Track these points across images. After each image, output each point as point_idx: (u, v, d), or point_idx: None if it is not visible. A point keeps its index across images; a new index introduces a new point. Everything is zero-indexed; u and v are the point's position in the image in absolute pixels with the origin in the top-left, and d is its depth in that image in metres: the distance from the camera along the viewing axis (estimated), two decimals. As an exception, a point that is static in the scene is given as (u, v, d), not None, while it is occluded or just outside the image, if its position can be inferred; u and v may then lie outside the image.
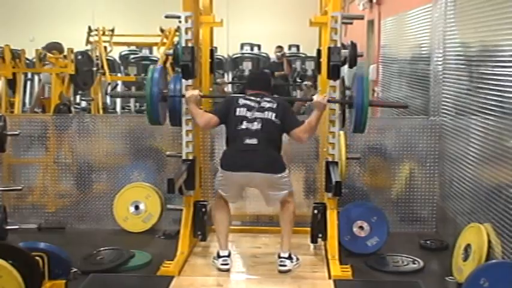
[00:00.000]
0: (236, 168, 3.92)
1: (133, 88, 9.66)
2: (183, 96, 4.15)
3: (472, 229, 3.97)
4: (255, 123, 3.92)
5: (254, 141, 3.88)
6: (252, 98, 4.05)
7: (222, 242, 4.07)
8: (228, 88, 9.92)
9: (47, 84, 6.82)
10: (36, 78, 9.38)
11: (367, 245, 4.49)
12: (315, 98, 4.01)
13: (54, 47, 6.62)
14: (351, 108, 4.09)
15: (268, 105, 3.99)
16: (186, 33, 4.22)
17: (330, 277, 3.89)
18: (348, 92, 4.32)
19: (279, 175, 3.95)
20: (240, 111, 3.97)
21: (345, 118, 4.47)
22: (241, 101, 4.02)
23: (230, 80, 11.03)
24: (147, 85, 4.07)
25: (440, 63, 5.06)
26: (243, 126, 3.92)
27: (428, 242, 4.73)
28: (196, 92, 4.12)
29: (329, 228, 4.23)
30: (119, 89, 9.80)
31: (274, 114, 3.95)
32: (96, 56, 8.37)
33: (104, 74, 8.55)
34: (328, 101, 4.03)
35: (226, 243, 4.09)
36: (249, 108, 3.97)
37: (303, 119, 4.06)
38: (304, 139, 4.03)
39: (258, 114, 3.95)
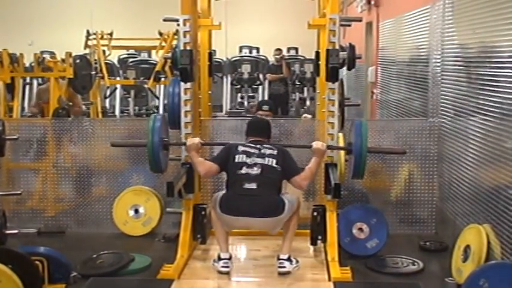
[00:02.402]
0: (236, 213, 3.93)
1: (132, 92, 9.67)
2: (184, 144, 4.16)
3: (471, 230, 3.98)
4: (255, 168, 3.94)
5: (253, 185, 3.90)
6: (252, 145, 4.07)
7: (222, 245, 4.07)
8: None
9: None
10: (35, 82, 9.39)
11: (366, 247, 4.49)
12: (314, 144, 4.05)
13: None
14: (350, 155, 4.10)
15: (268, 151, 4.02)
16: (185, 36, 4.23)
17: (329, 279, 3.89)
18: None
19: (281, 216, 3.95)
20: (240, 158, 3.99)
21: (343, 120, 4.48)
22: (241, 148, 4.04)
23: (229, 82, 11.04)
24: (149, 134, 4.05)
25: (438, 64, 5.07)
26: (243, 171, 3.94)
27: (427, 243, 4.73)
28: (196, 140, 4.12)
29: (329, 230, 4.23)
30: (117, 93, 9.79)
31: (275, 161, 3.98)
32: (95, 60, 8.39)
33: (102, 77, 8.56)
34: (328, 148, 4.10)
35: (226, 246, 4.08)
36: (249, 155, 3.99)
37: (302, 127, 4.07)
38: (304, 186, 4.07)
39: (258, 160, 3.97)
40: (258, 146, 4.05)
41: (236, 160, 3.98)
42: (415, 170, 5.11)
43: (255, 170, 3.92)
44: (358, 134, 3.98)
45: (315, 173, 4.06)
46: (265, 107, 5.48)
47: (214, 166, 4.04)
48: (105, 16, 13.29)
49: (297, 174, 3.97)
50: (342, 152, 4.40)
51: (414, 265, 4.28)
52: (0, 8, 14.72)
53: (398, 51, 7.04)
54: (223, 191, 4.06)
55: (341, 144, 4.40)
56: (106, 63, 9.20)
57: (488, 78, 3.95)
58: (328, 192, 4.20)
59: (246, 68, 10.77)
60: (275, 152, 4.01)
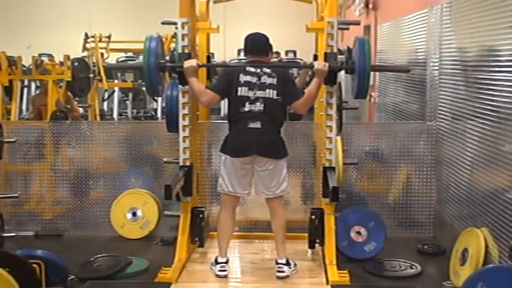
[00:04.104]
0: (241, 153, 3.97)
1: (130, 95, 9.67)
2: (181, 67, 4.09)
3: (469, 233, 3.98)
4: (258, 103, 3.95)
5: (258, 124, 3.92)
6: (252, 70, 4.02)
7: (222, 249, 4.08)
8: None
9: None
10: (33, 85, 9.38)
11: (364, 250, 4.49)
12: (316, 65, 4.04)
13: None
14: (352, 74, 4.10)
15: (269, 80, 3.99)
16: (183, 39, 4.23)
17: (327, 282, 3.89)
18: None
19: (280, 162, 4.03)
20: (242, 91, 3.97)
21: (341, 123, 4.48)
22: (242, 78, 4.00)
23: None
24: (144, 55, 4.04)
25: (436, 68, 5.08)
26: (246, 109, 3.95)
27: (425, 246, 4.73)
28: (194, 63, 4.09)
29: (326, 233, 4.23)
30: (115, 95, 9.80)
31: (275, 92, 3.97)
32: (93, 63, 8.38)
33: (100, 80, 8.55)
34: (329, 67, 4.04)
35: (226, 250, 4.09)
36: (251, 87, 3.97)
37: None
38: (303, 111, 4.12)
39: (259, 93, 3.96)
40: (258, 71, 4.01)
41: (238, 93, 3.96)
42: (413, 173, 5.11)
43: (258, 106, 3.94)
44: (361, 52, 3.95)
45: (315, 95, 4.05)
46: None
47: (216, 97, 4.04)
48: (104, 19, 13.28)
49: (297, 99, 4.00)
50: (340, 156, 4.40)
51: (412, 268, 4.27)
52: (-1, 11, 14.74)
53: (397, 54, 7.04)
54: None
55: (339, 148, 4.40)
56: (104, 66, 9.19)
57: (486, 82, 3.96)
58: (326, 195, 4.20)
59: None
60: (275, 81, 3.99)
